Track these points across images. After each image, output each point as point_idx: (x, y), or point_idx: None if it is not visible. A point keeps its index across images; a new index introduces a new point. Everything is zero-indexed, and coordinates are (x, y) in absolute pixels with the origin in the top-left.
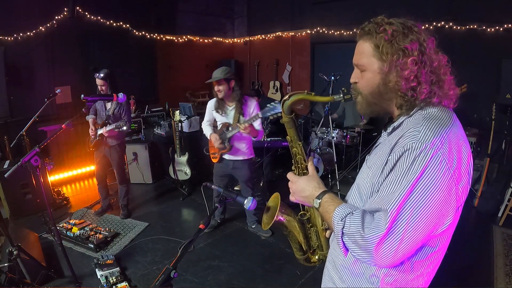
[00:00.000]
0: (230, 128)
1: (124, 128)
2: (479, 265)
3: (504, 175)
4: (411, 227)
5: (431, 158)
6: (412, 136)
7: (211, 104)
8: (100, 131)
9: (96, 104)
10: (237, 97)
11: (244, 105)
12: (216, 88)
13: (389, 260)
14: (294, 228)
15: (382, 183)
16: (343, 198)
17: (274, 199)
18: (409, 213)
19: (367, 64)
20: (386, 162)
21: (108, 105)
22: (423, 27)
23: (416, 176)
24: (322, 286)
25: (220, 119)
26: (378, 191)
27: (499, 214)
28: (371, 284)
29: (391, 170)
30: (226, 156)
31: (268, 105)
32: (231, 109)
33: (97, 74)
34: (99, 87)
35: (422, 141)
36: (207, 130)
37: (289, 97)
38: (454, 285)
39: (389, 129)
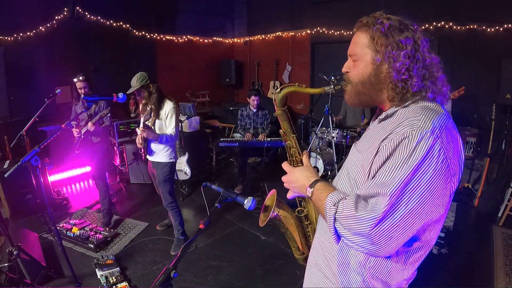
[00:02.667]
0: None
1: (108, 115)
2: (479, 265)
3: (504, 175)
4: (409, 213)
5: (431, 146)
6: (412, 124)
7: (140, 108)
8: (84, 129)
9: (76, 108)
10: (153, 100)
11: (161, 108)
12: (138, 97)
13: (384, 246)
14: (291, 225)
15: (378, 170)
16: None
17: (269, 200)
18: (408, 198)
19: (360, 54)
20: (378, 148)
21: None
22: (422, 28)
23: (417, 163)
24: (307, 273)
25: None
26: (371, 177)
27: (499, 214)
28: (357, 275)
29: (388, 157)
30: (148, 156)
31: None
32: (150, 112)
33: (77, 78)
34: (81, 89)
35: (422, 128)
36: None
37: (281, 90)
38: (454, 285)
39: (382, 116)
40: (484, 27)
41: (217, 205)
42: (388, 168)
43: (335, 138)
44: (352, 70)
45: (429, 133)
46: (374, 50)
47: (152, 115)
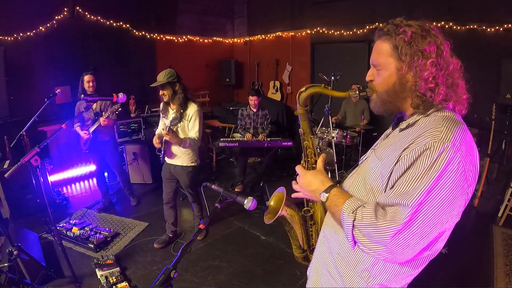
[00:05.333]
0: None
1: (120, 109)
2: (479, 265)
3: (504, 175)
4: (428, 223)
5: (451, 158)
6: (433, 135)
7: (161, 106)
8: (93, 128)
9: (80, 107)
10: (179, 101)
11: (185, 110)
12: (160, 92)
13: (401, 254)
14: (296, 224)
15: (398, 179)
16: None
17: (276, 197)
18: (427, 209)
19: (384, 63)
20: (399, 158)
21: (94, 105)
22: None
23: (438, 174)
24: (313, 272)
25: (166, 122)
26: (390, 185)
27: (499, 214)
28: (361, 279)
29: (409, 167)
30: (166, 159)
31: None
32: (172, 113)
33: (85, 72)
34: (89, 83)
35: (444, 140)
36: (158, 130)
37: (306, 89)
38: (454, 285)
39: (403, 125)
40: (484, 27)
41: (217, 205)
42: (409, 178)
43: (335, 138)
44: (376, 79)
45: (450, 145)
46: (398, 59)
47: (180, 120)
